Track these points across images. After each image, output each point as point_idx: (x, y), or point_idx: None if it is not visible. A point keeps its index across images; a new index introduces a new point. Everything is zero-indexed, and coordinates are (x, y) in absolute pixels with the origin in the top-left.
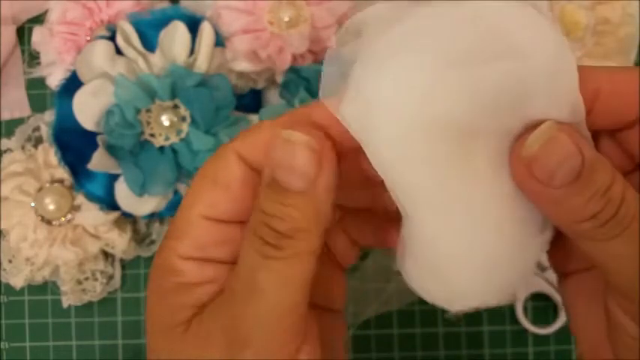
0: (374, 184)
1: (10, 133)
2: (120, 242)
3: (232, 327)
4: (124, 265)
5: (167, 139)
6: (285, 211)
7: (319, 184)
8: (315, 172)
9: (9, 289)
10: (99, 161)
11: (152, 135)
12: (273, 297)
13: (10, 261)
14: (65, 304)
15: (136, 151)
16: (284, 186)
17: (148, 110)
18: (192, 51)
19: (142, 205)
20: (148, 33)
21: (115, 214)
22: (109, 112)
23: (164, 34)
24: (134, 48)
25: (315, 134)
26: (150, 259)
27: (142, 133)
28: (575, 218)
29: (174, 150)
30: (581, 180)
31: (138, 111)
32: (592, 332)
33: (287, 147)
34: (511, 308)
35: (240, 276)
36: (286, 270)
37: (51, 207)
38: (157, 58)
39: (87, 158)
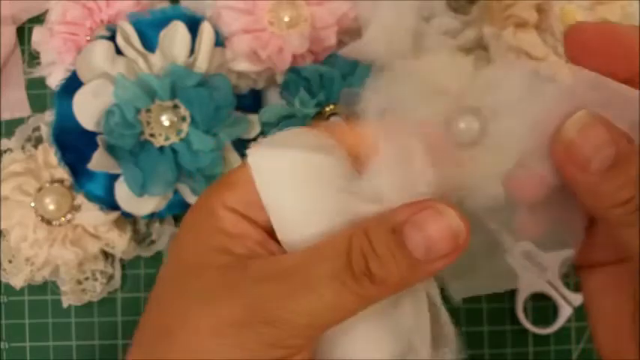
0: None
1: (10, 133)
2: (120, 242)
3: (271, 297)
4: (124, 265)
5: (167, 139)
6: (390, 264)
7: (429, 269)
8: (440, 262)
9: (9, 289)
10: (99, 161)
11: (152, 135)
12: (321, 309)
13: (10, 261)
14: (65, 304)
15: (135, 151)
16: (409, 246)
17: (148, 110)
18: (192, 51)
19: (142, 205)
20: (148, 33)
21: (115, 214)
22: (108, 112)
23: (164, 34)
24: (134, 48)
25: (467, 227)
26: (150, 259)
27: (142, 133)
28: (608, 204)
29: (174, 150)
30: (616, 168)
31: (138, 111)
32: (614, 326)
33: (440, 223)
34: (511, 308)
35: (301, 269)
36: (346, 302)
37: (51, 207)
38: (156, 58)
39: (87, 158)
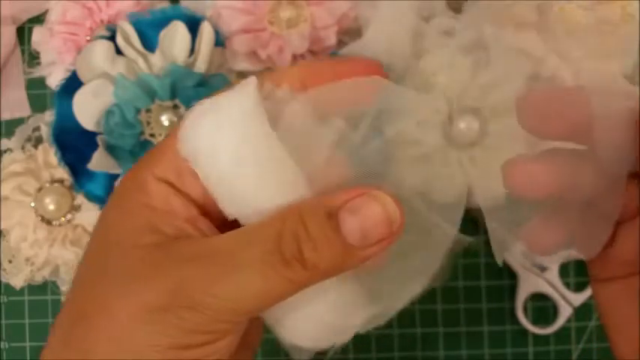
0: None
1: (10, 133)
2: None
3: (195, 280)
4: None
5: None
6: (324, 248)
7: (363, 255)
8: (375, 248)
9: (9, 289)
10: (99, 161)
11: (152, 135)
12: (248, 294)
13: (10, 261)
14: None
15: (135, 151)
16: (344, 231)
17: (148, 110)
18: (192, 51)
19: None
20: (148, 33)
21: None
22: (108, 112)
23: (164, 34)
24: (134, 48)
25: (402, 214)
26: None
27: (142, 133)
28: None
29: None
30: None
31: (138, 111)
32: (633, 337)
33: (375, 208)
34: (511, 308)
35: (230, 252)
36: (275, 287)
37: (51, 207)
38: (156, 58)
39: (87, 158)
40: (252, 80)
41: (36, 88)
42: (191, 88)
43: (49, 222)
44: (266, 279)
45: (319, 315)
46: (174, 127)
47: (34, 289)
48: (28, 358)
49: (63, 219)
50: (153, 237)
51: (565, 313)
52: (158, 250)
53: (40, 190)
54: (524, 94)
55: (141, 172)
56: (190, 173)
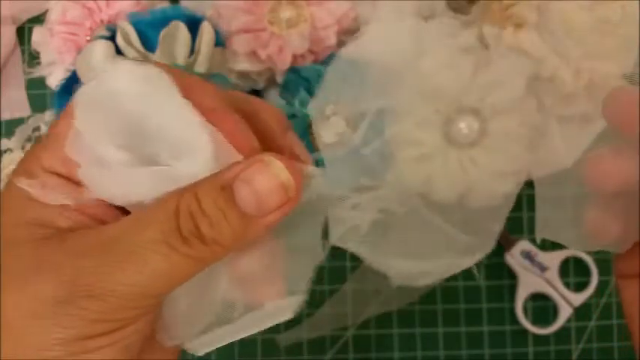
0: None
1: (10, 133)
2: None
3: (94, 269)
4: None
5: None
6: (221, 222)
7: (263, 223)
8: (274, 216)
9: None
10: None
11: None
12: (151, 277)
13: None
14: None
15: None
16: (239, 202)
17: None
18: (192, 51)
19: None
20: (148, 33)
21: None
22: None
23: (164, 34)
24: (134, 48)
25: (297, 179)
26: None
27: None
28: None
29: None
30: None
31: None
32: None
33: (268, 176)
34: (511, 308)
35: (127, 237)
36: (178, 266)
37: None
38: (156, 58)
39: None
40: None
41: (36, 88)
42: None
43: None
44: (167, 259)
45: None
46: (62, 114)
47: None
48: None
49: None
50: (45, 231)
51: (565, 313)
52: (52, 243)
53: None
54: (616, 92)
55: (29, 164)
56: None
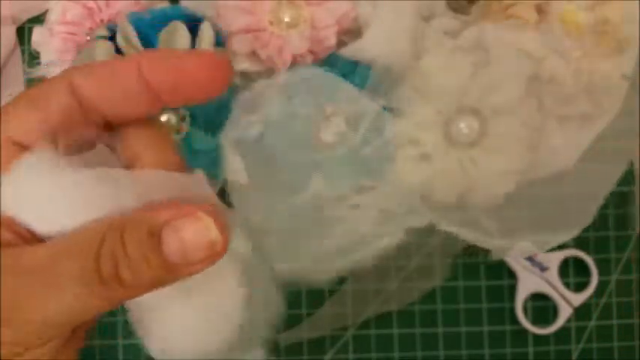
0: None
1: None
2: None
3: (5, 294)
4: None
5: None
6: (143, 268)
7: (186, 272)
8: (197, 267)
9: None
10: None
11: None
12: (63, 311)
13: None
14: None
15: None
16: (165, 251)
17: None
18: None
19: None
20: (148, 33)
21: None
22: None
23: (164, 34)
24: (134, 48)
25: (225, 236)
26: None
27: None
28: None
29: None
30: None
31: None
32: None
33: (198, 231)
34: (511, 308)
35: (46, 266)
36: (91, 304)
37: None
38: None
39: None
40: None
41: None
42: None
43: None
44: (81, 297)
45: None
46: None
47: None
48: None
49: None
50: None
51: (565, 313)
52: None
53: None
54: None
55: None
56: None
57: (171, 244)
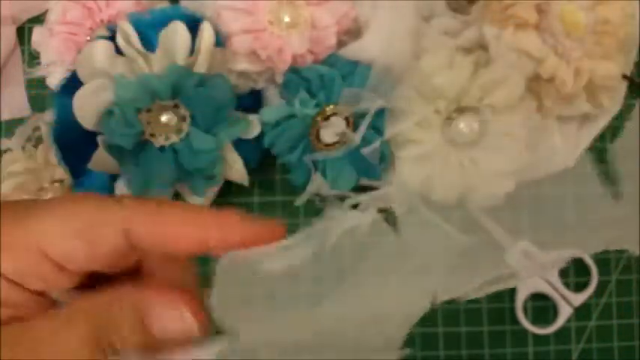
0: None
1: (10, 133)
2: None
3: None
4: None
5: (167, 139)
6: (132, 338)
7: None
8: (174, 343)
9: None
10: (99, 161)
11: (152, 135)
12: None
13: None
14: None
15: (136, 151)
16: (148, 326)
17: (149, 110)
18: (192, 51)
19: None
20: (148, 33)
21: None
22: (108, 112)
23: (164, 34)
24: (134, 48)
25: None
26: None
27: (142, 133)
28: None
29: (174, 150)
30: None
31: (138, 111)
32: None
33: (180, 324)
34: (511, 308)
35: (53, 341)
36: None
37: None
38: (157, 58)
39: (87, 158)
40: None
41: (36, 88)
42: (191, 88)
43: None
44: None
45: None
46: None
47: None
48: None
49: None
50: None
51: (565, 313)
52: None
53: (40, 189)
54: None
55: None
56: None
57: (154, 323)
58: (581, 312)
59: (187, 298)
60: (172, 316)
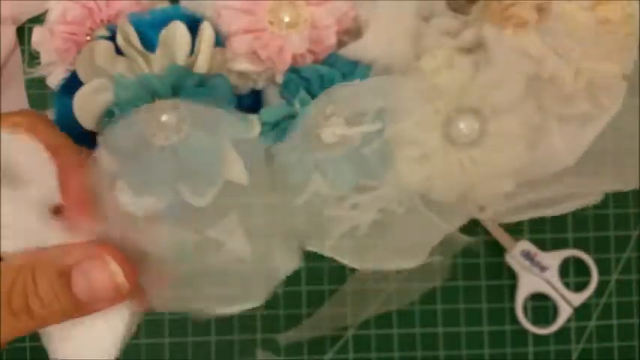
0: None
1: None
2: None
3: None
4: None
5: (167, 139)
6: (53, 304)
7: (95, 309)
8: (104, 305)
9: None
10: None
11: (152, 135)
12: None
13: None
14: None
15: (135, 151)
16: (74, 289)
17: None
18: (192, 51)
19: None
20: (148, 33)
21: None
22: (108, 112)
23: (164, 34)
24: (134, 48)
25: (132, 280)
26: None
27: (142, 132)
28: None
29: (174, 150)
30: None
31: None
32: None
33: (105, 275)
34: (511, 308)
35: None
36: (2, 332)
37: None
38: (157, 58)
39: None
40: None
41: (36, 88)
42: (191, 88)
43: None
44: None
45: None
46: None
47: None
48: (29, 358)
49: None
50: None
51: (565, 313)
52: None
53: None
54: None
55: None
56: None
57: (80, 284)
58: (581, 312)
59: (115, 252)
60: (102, 276)
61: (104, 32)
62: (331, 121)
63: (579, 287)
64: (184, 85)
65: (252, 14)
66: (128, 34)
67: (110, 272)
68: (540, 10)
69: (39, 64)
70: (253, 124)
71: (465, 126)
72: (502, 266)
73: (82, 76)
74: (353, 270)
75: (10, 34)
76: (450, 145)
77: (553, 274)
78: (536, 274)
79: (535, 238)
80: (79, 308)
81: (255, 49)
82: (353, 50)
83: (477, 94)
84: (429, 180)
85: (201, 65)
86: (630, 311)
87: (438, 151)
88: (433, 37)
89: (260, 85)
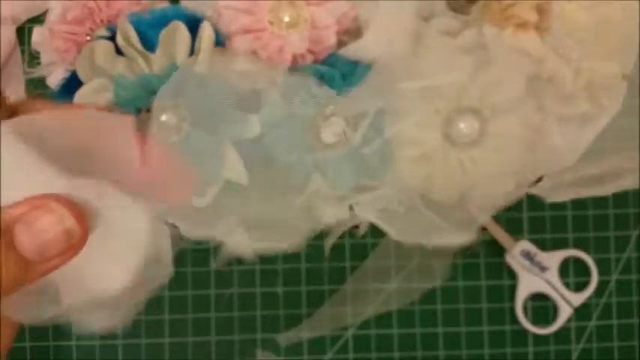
0: None
1: None
2: None
3: None
4: None
5: (167, 138)
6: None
7: (46, 269)
8: (56, 262)
9: None
10: None
11: (152, 134)
12: None
13: None
14: None
15: None
16: (18, 246)
17: (148, 110)
18: (192, 51)
19: None
20: (148, 33)
21: None
22: None
23: (164, 34)
24: (134, 48)
25: (83, 225)
26: None
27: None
28: None
29: (174, 149)
30: None
31: (138, 111)
32: None
33: (50, 222)
34: (511, 308)
35: None
36: None
37: None
38: (157, 58)
39: None
40: None
41: (36, 88)
42: (191, 88)
43: None
44: None
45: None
46: None
47: None
48: (29, 358)
49: None
50: None
51: (565, 313)
52: None
53: None
54: None
55: None
56: None
57: (25, 239)
58: (581, 312)
59: (62, 198)
60: (49, 225)
61: (104, 32)
62: (331, 121)
63: (579, 287)
64: (184, 84)
65: (253, 14)
66: (128, 34)
67: (57, 218)
68: (540, 10)
69: (39, 64)
70: (253, 124)
71: (465, 126)
72: (502, 266)
73: (82, 76)
74: (353, 270)
75: (10, 34)
76: (450, 145)
77: (553, 274)
78: (536, 274)
79: (535, 238)
80: (27, 269)
81: (255, 49)
82: (353, 50)
83: (477, 94)
84: (429, 180)
85: (201, 65)
86: (630, 311)
87: (438, 151)
88: (433, 37)
89: (260, 85)
